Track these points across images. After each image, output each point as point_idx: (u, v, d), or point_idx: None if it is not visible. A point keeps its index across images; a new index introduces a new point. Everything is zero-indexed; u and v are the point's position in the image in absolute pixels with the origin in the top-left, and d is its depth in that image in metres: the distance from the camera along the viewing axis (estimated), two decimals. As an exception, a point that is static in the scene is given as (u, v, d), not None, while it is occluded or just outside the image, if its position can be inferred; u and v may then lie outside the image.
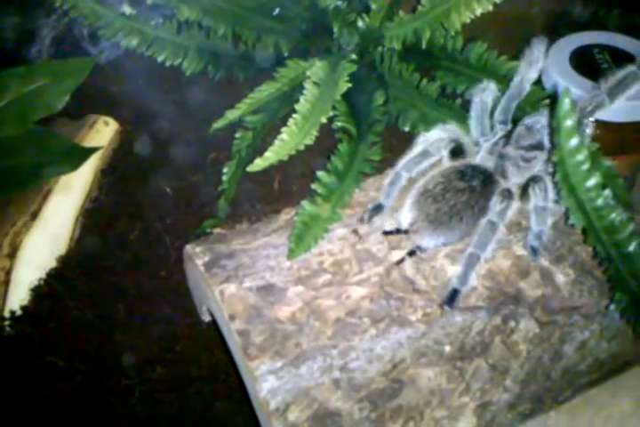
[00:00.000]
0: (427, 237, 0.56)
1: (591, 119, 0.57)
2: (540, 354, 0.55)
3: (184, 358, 0.65)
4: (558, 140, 0.47)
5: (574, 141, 0.47)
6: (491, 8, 0.73)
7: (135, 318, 0.67)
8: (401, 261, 0.56)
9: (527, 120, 0.61)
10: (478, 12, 0.74)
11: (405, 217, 0.57)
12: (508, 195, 0.55)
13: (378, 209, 0.59)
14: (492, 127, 0.63)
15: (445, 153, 0.59)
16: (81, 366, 0.64)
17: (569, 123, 0.47)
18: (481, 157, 0.61)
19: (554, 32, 0.83)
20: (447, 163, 0.60)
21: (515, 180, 0.59)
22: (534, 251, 0.56)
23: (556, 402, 0.54)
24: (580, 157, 0.48)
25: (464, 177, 0.57)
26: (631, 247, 0.50)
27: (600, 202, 0.49)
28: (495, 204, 0.55)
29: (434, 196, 0.56)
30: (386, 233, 0.58)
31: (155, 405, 0.63)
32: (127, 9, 0.85)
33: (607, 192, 0.49)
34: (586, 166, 0.48)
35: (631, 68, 0.54)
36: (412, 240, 0.57)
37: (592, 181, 0.49)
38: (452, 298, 0.54)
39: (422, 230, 0.56)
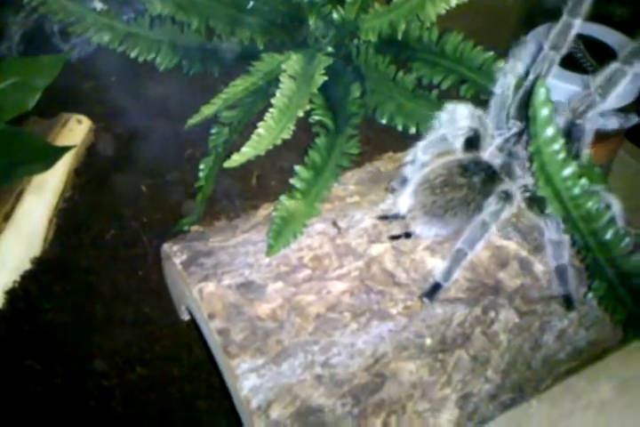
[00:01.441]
0: (420, 226, 0.56)
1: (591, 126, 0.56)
2: (520, 344, 0.55)
3: (164, 358, 0.64)
4: (534, 129, 0.48)
5: (550, 131, 0.47)
6: (466, -1, 0.73)
7: (113, 319, 0.66)
8: (397, 237, 0.56)
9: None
10: (453, 2, 0.74)
11: (404, 203, 0.57)
12: (505, 197, 0.54)
13: (404, 182, 0.59)
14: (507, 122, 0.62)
15: (461, 141, 0.58)
16: (59, 368, 0.63)
17: (544, 112, 0.47)
18: (490, 152, 0.59)
19: (528, 22, 0.83)
20: (457, 153, 0.59)
21: (520, 181, 0.58)
22: (569, 301, 0.55)
23: (537, 391, 0.55)
24: (556, 146, 0.48)
25: (465, 172, 0.56)
26: (608, 236, 0.50)
27: (576, 191, 0.49)
28: (491, 203, 0.54)
29: (433, 187, 0.56)
30: (380, 218, 0.58)
31: (136, 405, 0.62)
32: (98, 4, 0.83)
33: (583, 181, 0.49)
34: (562, 156, 0.48)
35: (615, 64, 0.54)
36: (407, 226, 0.57)
37: (568, 171, 0.49)
38: (432, 291, 0.54)
39: (417, 219, 0.56)
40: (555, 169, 0.48)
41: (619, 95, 0.57)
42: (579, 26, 0.56)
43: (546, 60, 0.57)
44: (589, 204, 0.50)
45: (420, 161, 0.59)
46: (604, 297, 0.51)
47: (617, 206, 0.52)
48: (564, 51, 0.57)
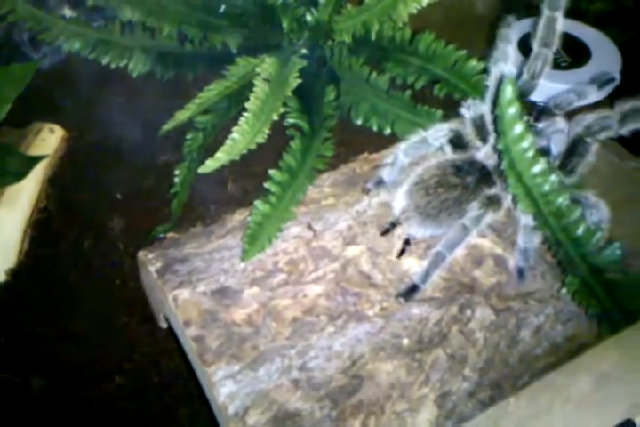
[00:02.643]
0: (415, 227, 0.56)
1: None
2: (497, 341, 0.55)
3: (143, 367, 0.64)
4: (502, 128, 0.48)
5: (518, 129, 0.48)
6: (436, -2, 0.74)
7: (91, 329, 0.65)
8: (402, 252, 0.57)
9: (539, 124, 0.58)
10: (424, 2, 0.74)
11: (398, 204, 0.57)
12: (487, 202, 0.54)
13: (380, 183, 0.60)
14: None
15: (444, 142, 0.58)
16: (37, 381, 0.62)
17: (512, 110, 0.47)
18: (485, 152, 0.58)
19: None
20: (449, 153, 0.58)
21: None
22: (521, 273, 0.56)
23: (515, 387, 0.55)
24: (525, 144, 0.48)
25: (459, 172, 0.56)
26: (579, 231, 0.51)
27: (547, 188, 0.49)
28: (473, 208, 0.54)
29: (427, 188, 0.56)
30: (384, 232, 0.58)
31: (116, 415, 0.61)
32: (68, 12, 0.82)
33: (553, 178, 0.49)
34: (531, 153, 0.49)
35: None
36: (403, 227, 0.57)
37: (538, 168, 0.49)
38: (409, 292, 0.54)
39: (411, 220, 0.56)
40: (524, 167, 0.49)
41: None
42: (562, 19, 0.55)
43: (539, 58, 0.56)
44: (560, 200, 0.50)
45: (401, 163, 0.59)
46: (578, 292, 0.52)
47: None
48: (555, 46, 0.56)
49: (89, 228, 0.71)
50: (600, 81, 0.60)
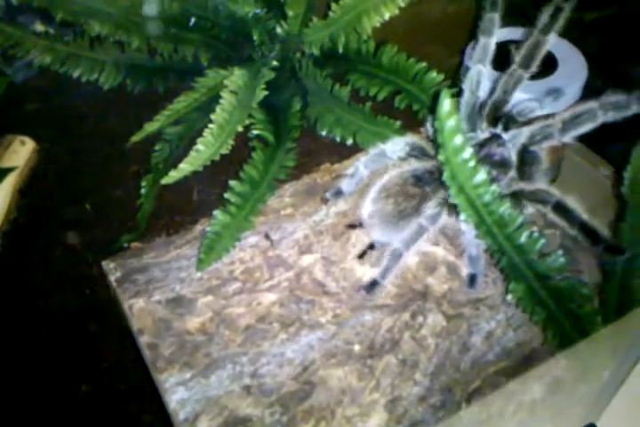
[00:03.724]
0: (378, 233, 0.58)
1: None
2: (449, 346, 0.56)
3: (110, 375, 0.65)
4: (442, 140, 0.49)
5: (458, 140, 0.49)
6: (397, 12, 0.76)
7: (60, 339, 0.66)
8: (362, 254, 0.59)
9: (502, 135, 0.59)
10: (387, 16, 0.76)
11: (365, 210, 0.59)
12: (443, 202, 0.55)
13: (339, 193, 0.61)
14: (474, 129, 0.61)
15: (402, 155, 0.59)
16: (5, 391, 0.64)
17: (451, 123, 0.49)
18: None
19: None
20: (413, 162, 0.59)
21: None
22: (472, 280, 0.57)
23: (466, 392, 0.56)
24: (465, 155, 0.50)
25: (419, 182, 0.58)
26: (522, 239, 0.52)
27: (488, 197, 0.51)
28: (429, 207, 0.55)
29: (388, 196, 0.58)
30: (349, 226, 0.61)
31: (82, 423, 0.62)
32: (40, 27, 0.84)
33: (494, 187, 0.51)
34: (471, 164, 0.50)
35: (592, 104, 0.52)
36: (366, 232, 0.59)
37: (479, 178, 0.50)
38: (370, 287, 0.56)
39: (374, 226, 0.58)
40: (465, 177, 0.50)
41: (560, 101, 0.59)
42: (549, 43, 0.57)
43: (513, 76, 0.57)
44: (502, 209, 0.51)
45: (360, 175, 0.60)
46: (523, 299, 0.53)
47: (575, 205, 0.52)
48: (532, 69, 0.57)
49: (59, 238, 0.73)
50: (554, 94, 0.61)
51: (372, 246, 0.59)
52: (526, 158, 0.57)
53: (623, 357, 0.58)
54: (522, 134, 0.58)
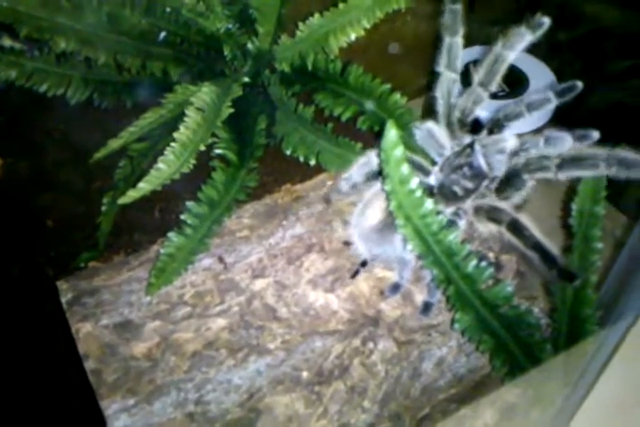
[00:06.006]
0: (362, 247, 0.58)
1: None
2: (399, 373, 0.56)
3: (57, 400, 0.64)
4: (388, 170, 0.49)
5: (404, 170, 0.49)
6: (363, 33, 0.76)
7: (20, 359, 0.66)
8: (355, 273, 0.60)
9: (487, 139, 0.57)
10: (353, 36, 0.76)
11: (352, 227, 0.59)
12: None
13: (340, 193, 0.61)
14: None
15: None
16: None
17: (397, 153, 0.49)
18: (434, 173, 0.59)
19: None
20: None
21: (449, 209, 0.58)
22: (427, 308, 0.57)
23: (415, 419, 0.56)
24: (412, 185, 0.50)
25: None
26: (469, 268, 0.52)
27: (435, 227, 0.51)
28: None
29: (373, 211, 0.57)
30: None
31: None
32: (7, 42, 0.83)
33: (441, 217, 0.51)
34: (418, 194, 0.50)
35: (598, 152, 0.49)
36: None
37: (425, 208, 0.50)
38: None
39: (359, 241, 0.58)
40: (412, 207, 0.50)
41: (533, 118, 0.58)
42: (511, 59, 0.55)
43: (472, 95, 0.57)
44: (450, 238, 0.51)
45: (353, 180, 0.60)
46: (469, 328, 0.53)
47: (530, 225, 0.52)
48: (492, 88, 0.56)
49: (20, 254, 0.72)
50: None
51: (364, 264, 0.59)
52: (514, 181, 0.55)
53: (574, 385, 0.58)
54: (502, 142, 0.56)
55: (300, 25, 0.77)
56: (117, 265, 0.62)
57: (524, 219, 0.52)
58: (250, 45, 0.83)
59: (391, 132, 0.48)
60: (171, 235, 0.61)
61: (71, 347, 0.63)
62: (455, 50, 0.58)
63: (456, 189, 0.57)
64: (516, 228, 0.52)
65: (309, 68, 0.78)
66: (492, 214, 0.54)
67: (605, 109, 0.85)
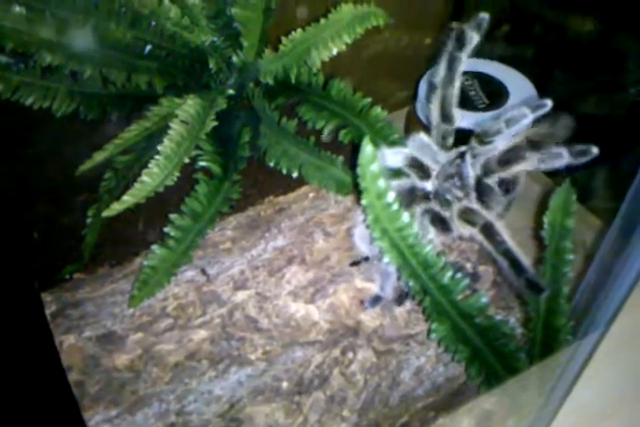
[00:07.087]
0: (364, 248, 0.59)
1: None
2: (378, 382, 0.57)
3: (41, 412, 0.65)
4: (365, 184, 0.51)
5: (380, 184, 0.51)
6: (344, 47, 0.78)
7: (1, 373, 0.66)
8: (355, 263, 0.62)
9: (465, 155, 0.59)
10: (334, 50, 0.78)
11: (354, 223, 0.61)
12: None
13: None
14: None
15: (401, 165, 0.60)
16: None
17: (374, 168, 0.50)
18: (433, 179, 0.61)
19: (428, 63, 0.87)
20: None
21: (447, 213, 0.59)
22: (375, 301, 0.59)
23: (394, 428, 0.57)
24: (388, 199, 0.51)
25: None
26: (445, 279, 0.53)
27: (412, 240, 0.52)
28: None
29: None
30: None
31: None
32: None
33: (416, 230, 0.52)
34: (395, 207, 0.51)
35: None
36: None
37: (402, 221, 0.52)
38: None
39: (359, 241, 0.60)
40: (389, 220, 0.51)
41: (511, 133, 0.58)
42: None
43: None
44: (426, 250, 0.53)
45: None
46: (445, 338, 0.54)
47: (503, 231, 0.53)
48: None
49: (4, 266, 0.73)
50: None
51: (366, 258, 0.61)
52: (483, 190, 0.57)
53: (549, 394, 0.60)
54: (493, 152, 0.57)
55: (284, 39, 0.79)
56: (101, 277, 0.63)
57: (499, 225, 0.54)
58: (235, 58, 0.85)
59: (367, 149, 0.50)
60: (154, 247, 0.62)
61: (55, 359, 0.63)
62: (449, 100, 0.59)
63: (449, 197, 0.59)
64: (489, 232, 0.54)
65: (293, 81, 0.80)
66: (468, 216, 0.56)
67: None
